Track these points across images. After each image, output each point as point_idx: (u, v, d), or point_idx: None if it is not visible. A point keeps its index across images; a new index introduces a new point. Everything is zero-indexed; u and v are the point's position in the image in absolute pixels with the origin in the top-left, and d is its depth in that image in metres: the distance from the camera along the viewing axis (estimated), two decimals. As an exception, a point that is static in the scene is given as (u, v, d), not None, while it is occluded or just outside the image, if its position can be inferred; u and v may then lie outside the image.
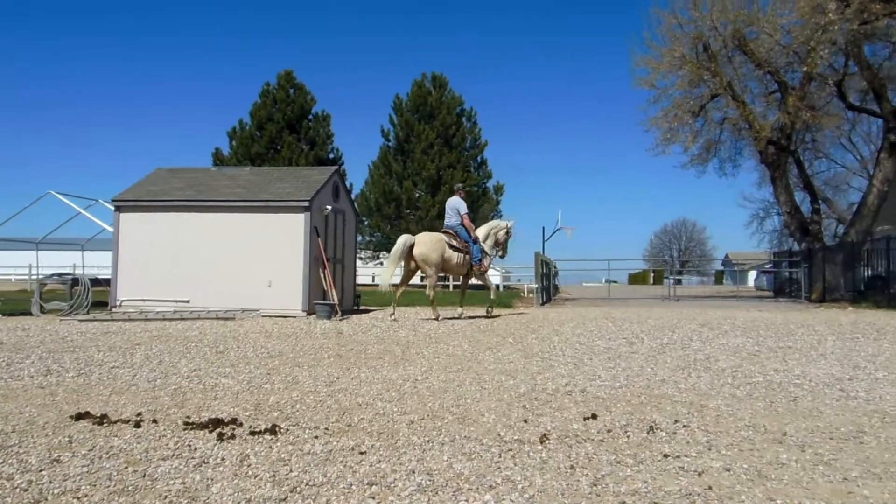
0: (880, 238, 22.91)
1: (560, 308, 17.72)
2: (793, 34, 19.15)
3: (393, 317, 13.37)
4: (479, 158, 38.91)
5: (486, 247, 13.86)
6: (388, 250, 39.05)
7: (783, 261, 30.10)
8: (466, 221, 13.69)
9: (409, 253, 13.27)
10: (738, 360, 7.57)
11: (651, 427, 4.61)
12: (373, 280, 40.65)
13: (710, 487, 3.39)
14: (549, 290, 23.92)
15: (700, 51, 21.38)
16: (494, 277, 47.99)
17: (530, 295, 22.25)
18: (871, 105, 21.80)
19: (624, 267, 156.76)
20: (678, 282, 65.39)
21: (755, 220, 48.35)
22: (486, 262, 13.79)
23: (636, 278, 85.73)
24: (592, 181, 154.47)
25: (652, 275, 78.44)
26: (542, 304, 19.76)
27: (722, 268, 78.04)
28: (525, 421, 4.80)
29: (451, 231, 13.65)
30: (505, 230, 14.16)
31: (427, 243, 13.21)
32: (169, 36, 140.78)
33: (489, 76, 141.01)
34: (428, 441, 4.26)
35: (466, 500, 3.21)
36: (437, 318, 13.32)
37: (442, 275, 15.42)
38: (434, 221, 35.99)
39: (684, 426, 4.64)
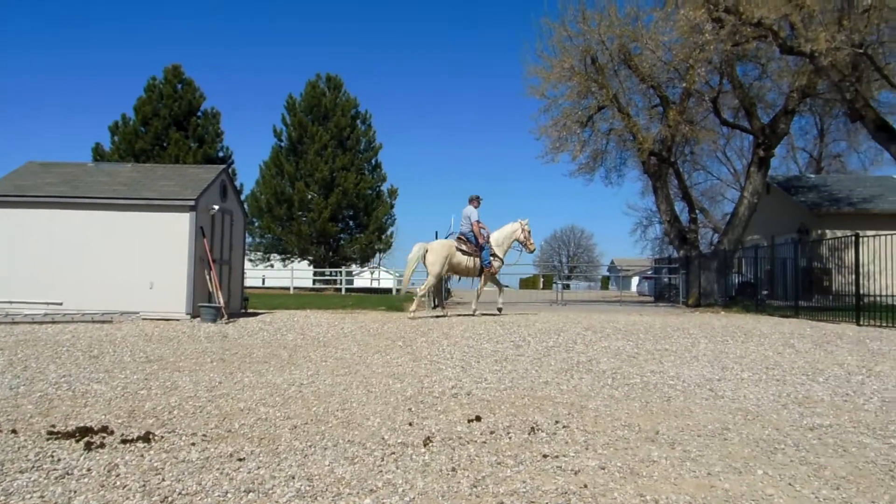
0: (750, 247, 24.41)
1: (452, 311, 17.84)
2: (673, 51, 20.07)
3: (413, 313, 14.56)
4: (373, 161, 38.76)
5: (500, 251, 15.01)
6: (279, 252, 38.55)
7: (663, 267, 31.51)
8: (475, 228, 14.85)
9: (424, 259, 14.71)
10: (618, 363, 7.86)
11: (533, 428, 4.71)
12: (263, 283, 39.74)
13: (585, 486, 3.49)
14: (441, 293, 24.08)
15: (588, 63, 22.08)
16: (387, 281, 48.00)
17: (423, 298, 22.31)
18: (742, 121, 23.13)
19: (515, 272, 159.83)
20: (566, 287, 67.36)
21: (639, 228, 50.60)
22: (495, 264, 14.91)
23: (527, 283, 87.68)
24: (486, 187, 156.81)
25: (542, 280, 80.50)
26: (435, 307, 19.87)
27: (608, 273, 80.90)
28: (410, 424, 4.81)
29: (463, 237, 14.98)
30: (520, 230, 15.14)
31: (436, 251, 14.65)
32: (46, 20, 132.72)
33: (385, 80, 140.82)
34: (310, 446, 4.20)
35: (346, 505, 3.18)
36: (411, 315, 14.38)
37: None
38: (326, 223, 35.58)
39: (564, 427, 4.76)
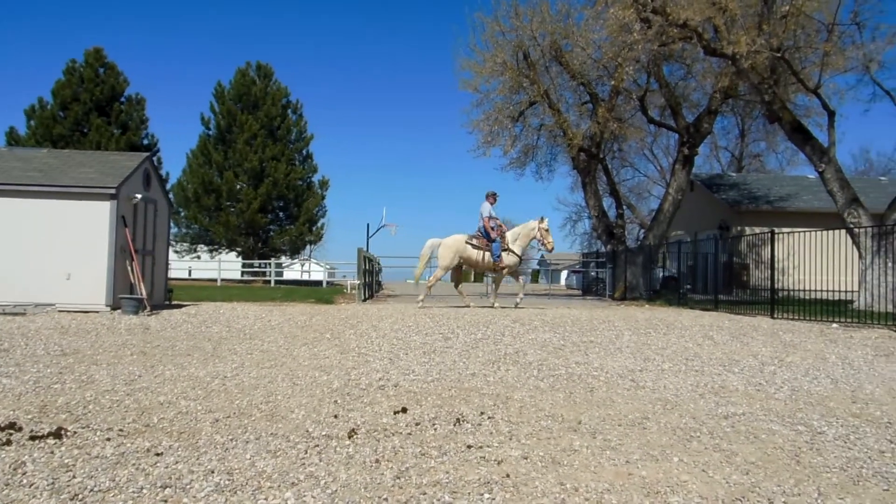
0: (674, 242, 25.10)
1: (382, 304, 17.79)
2: (603, 50, 20.45)
3: (420, 304, 15.78)
4: (304, 152, 38.28)
5: (516, 247, 15.33)
6: (206, 243, 37.67)
7: (591, 261, 32.14)
8: (486, 223, 15.24)
9: (438, 254, 15.51)
10: (544, 354, 7.97)
11: (458, 419, 4.73)
12: (190, 274, 38.77)
13: (507, 475, 3.53)
14: (372, 286, 23.98)
15: (520, 59, 22.28)
16: (318, 273, 47.46)
17: (353, 291, 22.16)
18: (668, 120, 23.78)
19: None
20: (497, 280, 67.97)
21: (569, 222, 51.43)
22: (506, 259, 15.17)
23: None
24: (419, 181, 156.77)
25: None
26: (364, 300, 19.76)
27: (538, 267, 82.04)
28: (335, 416, 4.77)
29: (478, 232, 15.42)
30: (536, 228, 15.33)
31: (447, 245, 15.39)
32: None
33: (318, 71, 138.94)
34: (232, 440, 4.11)
35: (266, 499, 3.13)
36: (420, 303, 15.83)
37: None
38: (255, 214, 34.96)
39: (489, 418, 4.80)
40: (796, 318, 13.05)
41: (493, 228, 15.31)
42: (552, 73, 23.08)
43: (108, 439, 4.06)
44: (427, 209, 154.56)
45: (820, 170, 16.25)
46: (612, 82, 21.49)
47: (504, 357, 7.72)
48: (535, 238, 15.43)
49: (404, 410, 4.97)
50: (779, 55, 15.40)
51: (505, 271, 15.54)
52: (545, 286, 46.63)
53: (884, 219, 15.09)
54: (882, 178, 35.43)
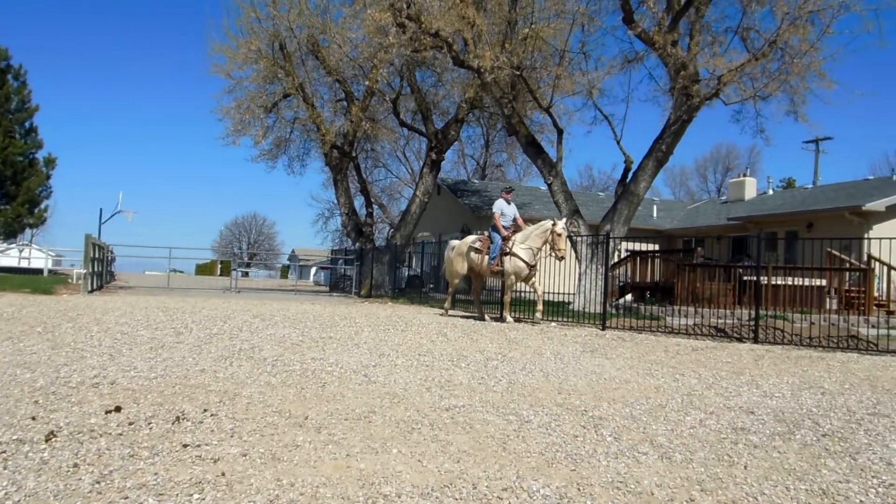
0: (420, 242, 26.11)
1: (111, 296, 16.44)
2: (359, 49, 20.71)
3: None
4: (27, 124, 34.16)
5: (522, 249, 13.01)
6: None
7: (340, 258, 32.39)
8: (497, 222, 13.42)
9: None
10: (281, 350, 7.84)
11: (178, 417, 4.48)
12: None
13: (222, 473, 3.40)
14: (102, 276, 22.06)
15: (276, 48, 21.83)
16: (39, 261, 42.64)
17: (79, 281, 20.18)
18: (419, 125, 24.71)
19: (191, 256, 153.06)
20: (245, 274, 65.99)
21: (321, 219, 51.47)
22: (506, 264, 13.10)
23: (204, 269, 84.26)
24: (165, 166, 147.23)
25: (219, 266, 77.93)
26: (92, 291, 18.12)
27: (288, 263, 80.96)
28: (33, 418, 4.28)
29: (486, 233, 13.79)
30: (549, 231, 12.90)
31: (454, 248, 14.31)
32: None
33: (49, 39, 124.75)
34: None
35: (-74, 515, 2.71)
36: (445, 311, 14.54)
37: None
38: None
39: (212, 415, 4.61)
40: (524, 318, 14.16)
41: (507, 228, 13.43)
42: (308, 66, 22.92)
43: None
44: (175, 198, 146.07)
45: (549, 182, 17.79)
46: (367, 82, 21.84)
47: (238, 353, 7.47)
48: (547, 241, 13.00)
49: (118, 409, 4.59)
50: (518, 73, 16.63)
51: (509, 279, 13.28)
52: (293, 282, 46.13)
53: (598, 230, 16.89)
54: (601, 193, 39.74)
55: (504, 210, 13.60)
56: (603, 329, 12.43)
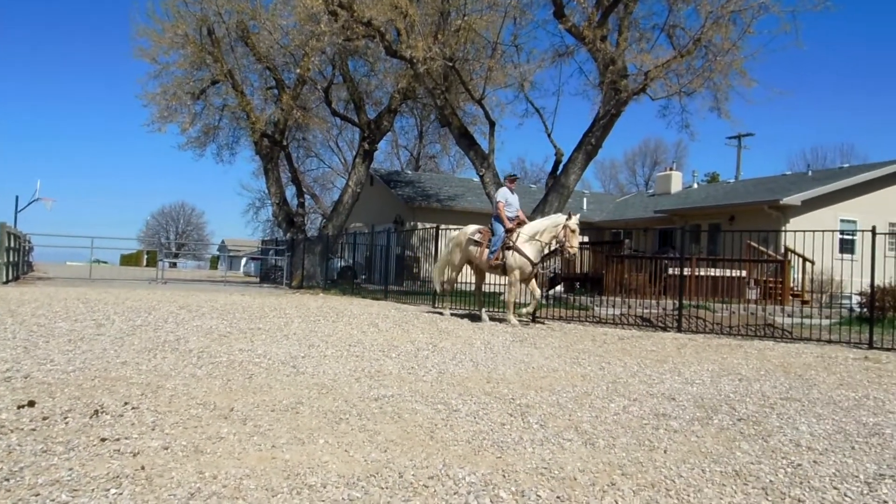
0: (352, 233, 25.93)
1: (28, 287, 15.77)
2: (290, 36, 20.34)
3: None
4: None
5: (529, 245, 11.60)
6: None
7: (270, 249, 31.88)
8: (500, 210, 12.01)
9: None
10: (207, 342, 7.68)
11: (97, 411, 4.35)
12: None
13: (142, 467, 3.32)
14: (18, 266, 21.16)
15: (204, 34, 21.25)
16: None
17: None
18: (352, 114, 24.45)
19: (115, 246, 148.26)
20: (174, 265, 64.33)
21: (251, 209, 50.51)
22: (509, 258, 11.65)
23: (129, 259, 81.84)
24: (82, 155, 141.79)
25: (146, 256, 75.81)
26: (7, 282, 17.37)
27: (218, 253, 79.24)
28: (-66, 415, 4.09)
29: (489, 224, 12.37)
30: (562, 225, 11.56)
31: (451, 239, 13.10)
32: None
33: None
34: None
35: None
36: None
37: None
38: None
39: (134, 408, 4.49)
40: (455, 307, 14.23)
41: (511, 219, 12.05)
42: (238, 53, 22.43)
43: None
44: (99, 188, 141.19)
45: (480, 174, 17.90)
46: (299, 70, 21.50)
47: (163, 344, 7.28)
48: (557, 237, 11.63)
49: (31, 404, 4.42)
50: (451, 64, 16.66)
51: (514, 275, 11.76)
52: (223, 273, 45.18)
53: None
54: (532, 185, 40.21)
55: (508, 199, 12.27)
56: (533, 320, 12.57)
